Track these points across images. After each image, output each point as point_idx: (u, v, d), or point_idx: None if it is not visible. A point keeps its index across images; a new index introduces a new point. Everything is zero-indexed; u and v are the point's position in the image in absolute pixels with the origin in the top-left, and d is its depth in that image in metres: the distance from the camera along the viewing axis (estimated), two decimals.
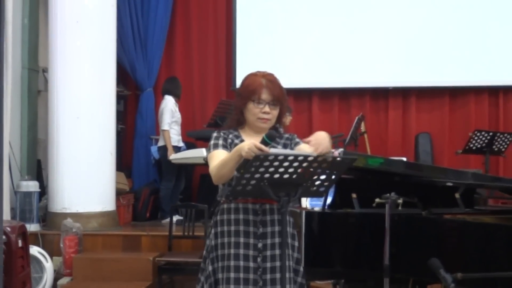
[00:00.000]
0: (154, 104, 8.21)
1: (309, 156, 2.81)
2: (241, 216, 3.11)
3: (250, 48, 8.35)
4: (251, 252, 3.07)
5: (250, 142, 2.87)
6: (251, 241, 3.08)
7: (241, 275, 3.04)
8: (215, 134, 3.20)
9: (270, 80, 3.15)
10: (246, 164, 2.79)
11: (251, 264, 3.06)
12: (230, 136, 3.17)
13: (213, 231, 3.17)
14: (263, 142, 2.94)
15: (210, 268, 3.13)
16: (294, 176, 2.83)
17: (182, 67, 8.57)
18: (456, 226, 3.35)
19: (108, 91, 7.00)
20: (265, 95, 3.11)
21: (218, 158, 3.07)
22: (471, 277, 2.92)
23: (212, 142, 3.17)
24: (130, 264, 6.13)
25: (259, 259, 3.07)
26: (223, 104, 7.37)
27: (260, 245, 3.08)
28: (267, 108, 3.11)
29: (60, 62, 6.81)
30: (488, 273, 3.01)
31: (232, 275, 3.05)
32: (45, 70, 7.45)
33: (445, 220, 3.43)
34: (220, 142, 3.14)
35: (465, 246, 3.27)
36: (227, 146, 3.12)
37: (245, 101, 3.14)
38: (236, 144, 3.10)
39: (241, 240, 3.08)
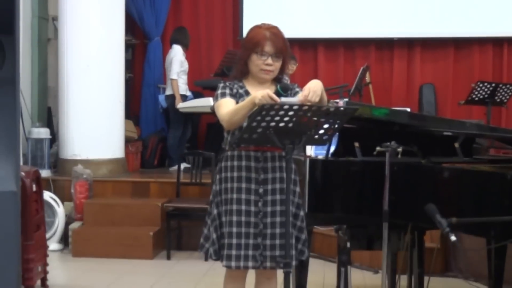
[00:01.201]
0: (162, 53, 8.28)
1: (313, 106, 2.94)
2: (243, 163, 3.25)
3: None
4: (252, 197, 3.23)
5: (264, 91, 2.98)
6: (253, 186, 3.23)
7: (243, 218, 3.20)
8: (221, 85, 3.31)
9: (274, 33, 3.24)
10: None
11: (253, 208, 3.22)
12: (235, 86, 3.28)
13: (217, 176, 3.32)
14: (277, 92, 3.06)
15: (215, 211, 3.29)
16: (299, 124, 2.96)
17: (189, 17, 8.60)
18: (452, 174, 3.45)
19: (117, 39, 7.08)
20: (268, 48, 3.20)
21: (227, 106, 3.19)
22: (465, 221, 3.06)
23: (219, 91, 3.28)
24: (139, 209, 6.31)
25: (260, 204, 3.23)
26: (230, 54, 7.44)
27: (261, 190, 3.23)
28: (270, 60, 3.22)
29: (70, 11, 6.88)
30: (481, 218, 3.15)
31: (234, 218, 3.20)
32: (54, 19, 7.50)
33: (442, 168, 3.53)
34: (227, 91, 3.26)
35: (460, 192, 3.37)
36: (234, 95, 3.24)
37: (248, 53, 3.24)
38: (241, 94, 3.24)
39: (243, 185, 3.23)
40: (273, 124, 2.92)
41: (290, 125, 2.94)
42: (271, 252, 3.20)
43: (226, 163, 3.29)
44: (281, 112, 2.88)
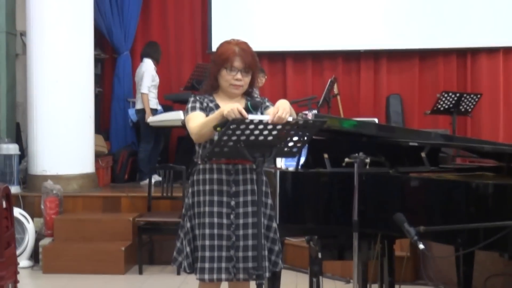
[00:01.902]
0: (131, 67, 8.29)
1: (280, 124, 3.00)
2: (215, 176, 3.29)
3: (225, 11, 8.42)
4: (224, 210, 3.27)
5: (233, 105, 3.04)
6: (225, 199, 3.27)
7: (215, 231, 3.24)
8: (191, 99, 3.36)
9: (243, 49, 3.30)
10: (224, 124, 2.96)
11: (225, 221, 3.26)
12: (205, 100, 3.34)
13: (190, 190, 3.36)
14: (246, 109, 3.12)
15: (188, 224, 3.32)
16: (269, 138, 3.01)
17: (159, 31, 8.63)
18: (419, 183, 3.52)
19: (86, 54, 7.05)
20: (237, 63, 3.27)
21: (196, 119, 3.24)
22: (433, 229, 3.13)
23: (189, 105, 3.33)
24: (110, 224, 6.28)
25: (232, 216, 3.27)
26: (200, 68, 7.48)
27: (233, 203, 3.28)
28: (239, 75, 3.28)
29: (38, 26, 6.85)
30: (448, 226, 3.22)
31: (207, 231, 3.25)
32: (22, 34, 7.47)
33: (409, 177, 3.61)
34: (197, 105, 3.31)
35: (428, 201, 3.43)
36: (204, 109, 3.29)
37: (218, 68, 3.30)
38: (211, 108, 3.29)
39: (215, 198, 3.27)
40: (243, 137, 2.97)
41: (260, 138, 2.99)
42: (244, 264, 3.24)
43: (198, 176, 3.33)
44: (251, 126, 2.93)
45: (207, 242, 3.23)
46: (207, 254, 3.23)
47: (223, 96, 3.35)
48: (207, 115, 3.25)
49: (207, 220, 3.25)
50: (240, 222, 3.27)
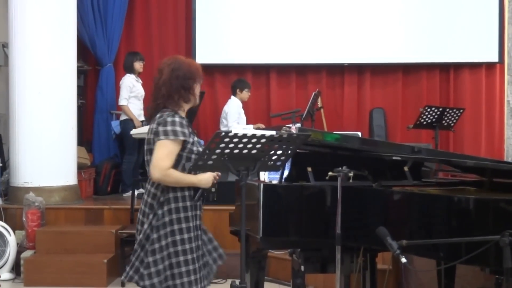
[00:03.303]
0: (114, 79, 8.25)
1: (265, 134, 3.01)
2: (186, 193, 3.41)
3: (209, 24, 8.44)
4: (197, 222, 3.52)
5: (208, 176, 3.35)
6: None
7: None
8: (178, 119, 3.35)
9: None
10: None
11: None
12: (186, 125, 3.39)
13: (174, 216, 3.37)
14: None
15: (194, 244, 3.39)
16: (253, 151, 3.02)
17: (142, 43, 8.61)
18: (402, 197, 3.54)
19: (69, 66, 7.02)
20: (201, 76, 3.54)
21: (171, 156, 3.30)
22: (415, 243, 3.16)
23: (178, 128, 3.32)
24: (92, 236, 6.25)
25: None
26: None
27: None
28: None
29: (20, 37, 6.81)
30: (430, 240, 3.24)
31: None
32: (4, 45, 7.42)
33: (392, 191, 3.63)
34: (186, 131, 3.34)
35: (410, 215, 3.46)
36: (189, 137, 3.35)
37: (194, 82, 3.46)
38: (192, 135, 3.39)
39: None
40: (227, 151, 2.98)
41: (244, 151, 3.00)
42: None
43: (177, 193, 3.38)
44: (235, 139, 2.94)
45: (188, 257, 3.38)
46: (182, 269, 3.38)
47: (182, 113, 3.46)
48: (186, 143, 3.31)
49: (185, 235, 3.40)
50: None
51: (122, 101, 7.47)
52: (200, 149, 3.35)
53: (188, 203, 3.38)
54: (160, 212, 3.35)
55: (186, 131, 3.34)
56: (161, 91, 3.42)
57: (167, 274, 3.32)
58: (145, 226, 3.37)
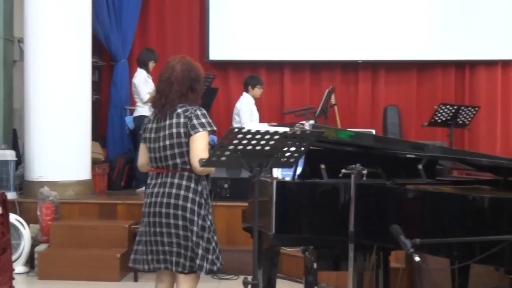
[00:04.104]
0: (128, 75, 8.28)
1: (279, 131, 3.01)
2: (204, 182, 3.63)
3: (223, 20, 8.44)
4: None
5: None
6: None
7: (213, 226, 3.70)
8: (205, 112, 3.62)
9: None
10: None
11: None
12: None
13: (205, 193, 3.62)
14: None
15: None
16: (266, 148, 3.02)
17: (156, 38, 8.64)
18: (416, 195, 3.52)
19: (83, 61, 7.05)
20: None
21: (207, 147, 3.52)
22: (429, 242, 3.14)
23: (209, 119, 3.59)
24: (106, 231, 6.27)
25: None
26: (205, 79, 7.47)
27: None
28: None
29: (36, 33, 6.85)
30: (444, 238, 3.22)
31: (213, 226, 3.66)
32: (20, 41, 7.47)
33: (406, 189, 3.61)
34: (213, 125, 3.60)
35: (424, 213, 3.44)
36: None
37: (201, 82, 3.68)
38: None
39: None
40: (240, 147, 2.98)
41: (258, 148, 3.00)
42: None
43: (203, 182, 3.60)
44: (249, 136, 2.94)
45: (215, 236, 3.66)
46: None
47: None
48: None
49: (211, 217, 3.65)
50: None
51: (146, 97, 7.41)
52: (209, 139, 3.61)
53: (207, 191, 3.66)
54: (202, 201, 3.55)
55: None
56: (174, 87, 3.56)
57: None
58: (195, 218, 3.50)
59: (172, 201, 3.49)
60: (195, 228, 3.49)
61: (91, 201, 6.87)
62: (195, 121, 3.48)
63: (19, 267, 6.09)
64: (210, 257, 3.53)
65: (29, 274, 6.19)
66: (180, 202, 3.48)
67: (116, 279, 5.93)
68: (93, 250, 6.14)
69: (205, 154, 3.41)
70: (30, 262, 6.27)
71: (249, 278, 3.14)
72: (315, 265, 3.91)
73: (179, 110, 3.52)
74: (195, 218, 3.49)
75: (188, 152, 3.48)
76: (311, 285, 3.94)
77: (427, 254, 3.56)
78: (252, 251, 3.16)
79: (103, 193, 7.59)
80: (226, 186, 6.44)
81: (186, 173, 3.51)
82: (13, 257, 5.81)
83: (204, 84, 3.72)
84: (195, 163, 3.44)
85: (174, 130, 3.51)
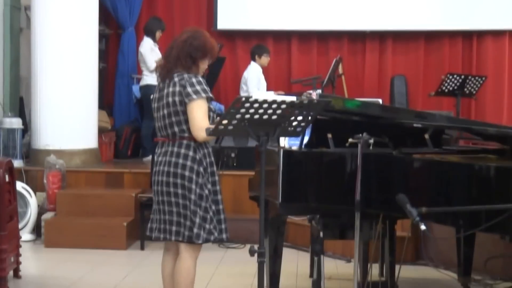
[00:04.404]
0: (136, 43, 8.26)
1: (286, 100, 3.00)
2: (206, 150, 3.59)
3: None
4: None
5: None
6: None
7: (219, 196, 3.64)
8: (202, 80, 3.53)
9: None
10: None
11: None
12: None
13: (206, 161, 3.56)
14: None
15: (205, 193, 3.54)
16: (273, 117, 3.02)
17: (164, 7, 8.61)
18: (422, 165, 3.52)
19: (90, 29, 7.04)
20: (216, 56, 3.74)
21: (207, 114, 3.47)
22: (435, 211, 3.15)
23: (204, 86, 3.49)
24: (112, 200, 6.29)
25: None
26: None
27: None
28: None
29: (42, 0, 6.82)
30: (449, 207, 3.23)
31: (219, 196, 3.61)
32: (27, 8, 7.44)
33: (412, 159, 3.61)
34: (208, 92, 3.50)
35: (430, 183, 3.44)
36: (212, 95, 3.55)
37: (205, 56, 3.60)
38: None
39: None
40: (247, 116, 2.98)
41: (265, 117, 3.00)
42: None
43: (205, 150, 3.56)
44: (256, 105, 2.94)
45: (220, 206, 3.59)
46: (222, 216, 3.59)
47: None
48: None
49: (218, 187, 3.60)
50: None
51: (152, 66, 7.38)
52: (212, 106, 3.56)
53: (212, 159, 3.61)
54: (201, 169, 3.51)
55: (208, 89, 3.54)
56: (172, 52, 3.58)
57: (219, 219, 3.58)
58: (193, 186, 3.48)
59: (172, 169, 3.50)
60: (192, 196, 3.47)
61: (98, 169, 6.89)
62: (189, 89, 3.44)
63: (25, 235, 6.12)
64: (207, 226, 3.50)
65: (35, 242, 6.24)
66: (179, 171, 3.48)
67: (122, 247, 5.97)
68: (100, 219, 6.17)
69: (203, 122, 3.41)
70: (36, 230, 6.32)
71: (256, 247, 3.15)
72: (321, 234, 3.93)
73: (176, 79, 3.51)
74: (193, 186, 3.48)
75: (186, 120, 3.47)
76: (317, 254, 3.96)
77: (433, 223, 3.58)
78: (258, 220, 3.16)
79: (110, 161, 7.62)
80: (233, 155, 6.45)
81: (185, 141, 3.50)
82: (20, 225, 5.84)
83: (210, 59, 3.63)
84: (195, 131, 3.44)
85: (170, 99, 3.50)
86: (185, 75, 3.50)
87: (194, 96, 3.43)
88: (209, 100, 3.50)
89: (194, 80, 3.47)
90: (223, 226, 3.58)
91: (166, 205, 3.54)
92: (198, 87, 3.45)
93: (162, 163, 3.55)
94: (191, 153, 3.49)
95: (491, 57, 8.31)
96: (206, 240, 3.51)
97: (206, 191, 3.51)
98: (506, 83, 8.31)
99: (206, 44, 3.57)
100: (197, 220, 3.47)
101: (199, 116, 3.43)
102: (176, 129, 3.51)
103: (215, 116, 3.54)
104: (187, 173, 3.47)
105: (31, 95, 7.08)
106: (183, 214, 3.49)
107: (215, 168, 3.62)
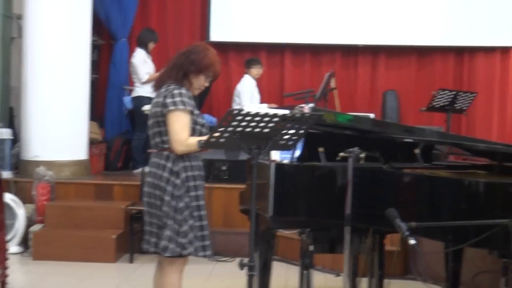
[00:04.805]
0: (128, 54, 8.25)
1: (278, 113, 3.01)
2: (200, 162, 3.54)
3: (225, 1, 8.43)
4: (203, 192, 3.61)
5: None
6: (203, 183, 3.60)
7: (202, 212, 3.54)
8: (184, 91, 3.47)
9: (220, 62, 3.65)
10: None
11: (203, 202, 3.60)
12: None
13: (184, 174, 3.46)
14: None
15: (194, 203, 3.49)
16: (265, 130, 3.02)
17: (157, 18, 8.62)
18: (412, 179, 3.52)
19: (83, 40, 7.03)
20: (216, 74, 3.62)
21: (187, 126, 3.42)
22: (424, 225, 3.15)
23: (186, 99, 3.44)
24: (102, 212, 6.26)
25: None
26: None
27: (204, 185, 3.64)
28: (207, 83, 3.59)
29: (35, 9, 6.82)
30: (438, 222, 3.23)
31: (202, 212, 3.54)
32: (19, 17, 7.42)
33: (402, 173, 3.61)
34: (192, 103, 3.46)
35: (420, 197, 3.45)
36: (192, 111, 3.46)
37: (199, 72, 3.52)
38: (196, 108, 3.50)
39: (201, 182, 3.58)
40: (239, 129, 2.98)
41: (257, 130, 2.99)
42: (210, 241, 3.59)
43: (184, 163, 3.48)
44: (248, 118, 2.94)
45: (204, 222, 3.51)
46: (206, 232, 3.52)
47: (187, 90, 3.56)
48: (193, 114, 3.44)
49: (201, 202, 3.52)
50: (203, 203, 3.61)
51: (144, 77, 7.41)
52: (203, 121, 3.52)
53: (196, 173, 3.53)
54: (178, 181, 3.45)
55: (192, 102, 3.48)
56: (170, 63, 3.58)
57: (199, 235, 3.51)
58: (167, 198, 3.44)
59: (154, 180, 3.50)
60: (166, 208, 3.44)
61: (88, 181, 6.86)
62: (168, 100, 3.42)
63: (13, 247, 6.08)
64: (180, 240, 3.43)
65: (23, 254, 6.19)
66: (158, 182, 3.48)
67: (111, 260, 5.94)
68: (89, 231, 6.13)
69: (180, 135, 3.39)
70: (24, 242, 6.27)
71: (246, 260, 3.15)
72: (311, 248, 3.92)
73: (163, 89, 3.51)
74: (167, 198, 3.44)
75: (166, 131, 3.46)
76: (306, 267, 3.95)
77: (422, 237, 3.58)
78: (248, 233, 3.16)
79: (100, 173, 7.58)
80: (224, 168, 6.44)
81: (165, 153, 3.48)
82: (8, 237, 5.82)
83: (208, 77, 3.55)
84: (171, 144, 3.43)
85: (154, 110, 3.51)
86: (171, 86, 3.48)
87: (172, 107, 3.41)
88: (192, 113, 3.44)
89: (175, 91, 3.44)
90: (206, 243, 3.51)
91: (148, 216, 3.55)
92: (177, 99, 3.42)
93: (148, 174, 3.57)
94: (169, 165, 3.47)
95: (482, 74, 8.37)
96: (179, 255, 3.46)
97: (182, 204, 3.44)
98: (496, 99, 8.37)
99: (202, 61, 3.52)
100: (167, 232, 3.44)
101: (176, 128, 3.41)
102: (158, 139, 3.52)
103: (204, 131, 3.50)
104: (163, 184, 3.47)
105: (21, 105, 7.04)
106: (161, 226, 3.48)
107: (199, 183, 3.53)
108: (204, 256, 3.53)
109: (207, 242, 3.51)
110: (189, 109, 3.42)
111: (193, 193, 3.49)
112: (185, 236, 3.44)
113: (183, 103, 3.41)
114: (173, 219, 3.44)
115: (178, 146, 3.41)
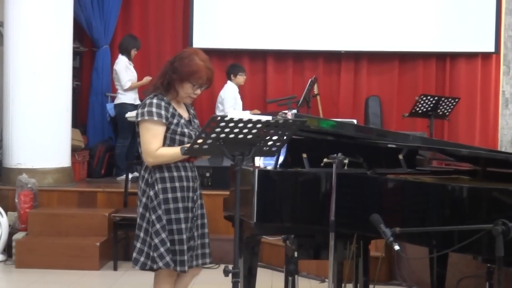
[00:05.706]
0: (110, 61, 8.22)
1: (261, 119, 3.01)
2: (182, 173, 3.42)
3: (207, 8, 8.41)
4: (190, 204, 3.45)
5: None
6: (191, 194, 3.45)
7: (183, 225, 3.41)
8: (155, 101, 3.38)
9: (209, 68, 3.48)
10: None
11: (190, 215, 3.45)
12: (171, 105, 3.41)
13: (157, 187, 3.39)
14: None
15: (164, 221, 3.37)
16: (248, 136, 3.01)
17: (139, 25, 8.58)
18: (396, 185, 3.53)
19: (64, 46, 6.98)
20: (203, 81, 3.44)
21: (158, 140, 3.34)
22: (408, 231, 3.16)
23: (154, 109, 3.35)
24: (85, 219, 6.23)
25: (194, 210, 3.47)
26: None
27: (194, 197, 3.48)
28: (199, 91, 3.48)
29: (16, 16, 6.75)
30: (423, 227, 3.24)
31: (182, 225, 3.40)
32: (0, 24, 7.38)
33: (386, 179, 3.62)
34: (163, 112, 3.36)
35: (404, 203, 3.45)
36: (168, 118, 3.36)
37: (183, 80, 3.42)
38: (174, 114, 3.39)
39: (180, 195, 3.41)
40: (223, 135, 2.97)
41: (240, 136, 2.99)
42: (202, 250, 3.53)
43: (163, 174, 3.40)
44: (231, 124, 2.93)
45: (184, 236, 3.39)
46: (185, 247, 3.38)
47: (175, 101, 3.48)
48: (173, 123, 3.35)
49: (181, 215, 3.40)
50: (198, 213, 3.53)
51: (126, 84, 7.40)
52: (186, 130, 3.42)
53: (176, 184, 3.42)
54: (152, 193, 3.40)
55: (163, 112, 3.36)
56: (158, 74, 3.51)
57: (172, 249, 3.40)
58: (141, 210, 3.43)
59: (138, 191, 3.49)
60: (139, 220, 3.42)
61: (71, 188, 6.82)
62: (139, 110, 3.40)
63: None
64: (151, 253, 3.37)
65: (6, 262, 6.15)
66: (139, 193, 3.47)
67: (95, 267, 5.91)
68: (72, 239, 6.10)
69: (149, 146, 3.33)
70: (7, 250, 6.23)
71: (230, 267, 3.13)
72: (296, 254, 3.92)
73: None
74: (140, 209, 3.43)
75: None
76: (291, 274, 3.95)
77: (407, 243, 3.59)
78: (233, 239, 3.15)
79: (83, 181, 7.54)
80: (207, 174, 6.44)
81: (145, 163, 3.46)
82: None
83: (196, 86, 3.43)
84: (142, 155, 3.41)
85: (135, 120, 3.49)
86: (149, 96, 3.43)
87: (139, 118, 3.38)
88: (167, 123, 3.37)
89: (147, 101, 3.39)
90: (185, 257, 3.38)
91: (136, 228, 3.52)
92: (145, 109, 3.36)
93: None
94: (146, 175, 3.45)
95: (464, 79, 8.42)
96: (150, 268, 3.42)
97: (154, 216, 3.37)
98: (479, 105, 8.43)
99: (183, 68, 3.39)
100: (138, 245, 3.43)
101: (144, 139, 3.37)
102: (140, 150, 3.49)
103: (186, 141, 3.39)
104: (139, 195, 3.46)
105: (3, 113, 6.98)
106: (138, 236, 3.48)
107: (182, 195, 3.41)
108: (181, 271, 3.45)
109: (185, 257, 3.38)
110: (156, 119, 3.33)
111: (171, 206, 3.39)
112: (156, 250, 3.37)
113: (151, 113, 3.33)
114: (145, 232, 3.42)
115: (147, 157, 3.37)
